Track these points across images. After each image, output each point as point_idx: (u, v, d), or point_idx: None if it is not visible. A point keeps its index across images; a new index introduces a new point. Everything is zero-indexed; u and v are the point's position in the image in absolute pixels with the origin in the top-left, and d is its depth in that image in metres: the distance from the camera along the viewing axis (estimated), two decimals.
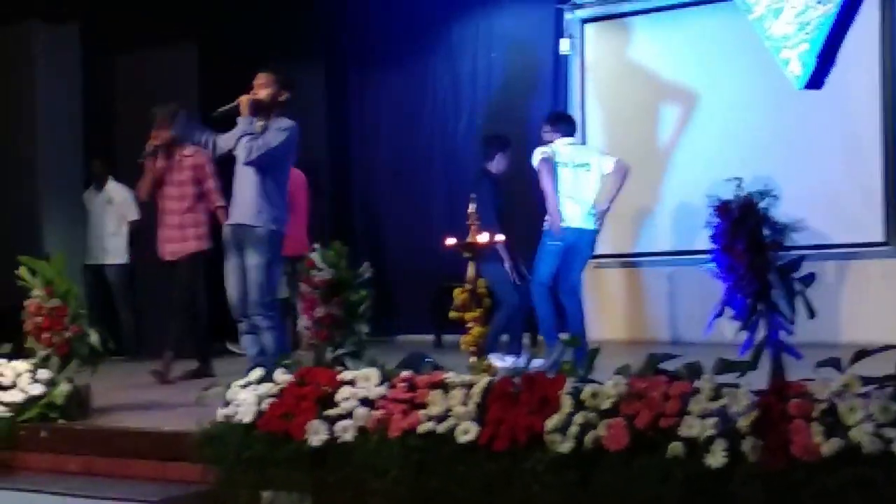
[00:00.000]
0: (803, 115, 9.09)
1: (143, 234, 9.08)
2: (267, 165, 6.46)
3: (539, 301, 8.11)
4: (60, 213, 10.17)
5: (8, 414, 5.36)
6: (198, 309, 8.11)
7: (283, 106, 6.64)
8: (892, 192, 8.91)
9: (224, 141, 6.58)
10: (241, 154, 6.42)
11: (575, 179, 8.15)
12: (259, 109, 6.50)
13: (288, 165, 6.73)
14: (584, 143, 10.14)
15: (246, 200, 6.45)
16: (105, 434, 5.21)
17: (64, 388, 5.41)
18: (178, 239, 7.74)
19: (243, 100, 6.45)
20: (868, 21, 8.51)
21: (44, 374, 5.45)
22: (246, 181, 6.47)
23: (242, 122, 6.44)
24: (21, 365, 5.53)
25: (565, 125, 8.44)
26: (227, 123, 6.54)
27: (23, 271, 5.58)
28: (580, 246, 8.18)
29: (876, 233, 8.95)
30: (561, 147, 8.22)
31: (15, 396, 5.39)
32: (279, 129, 6.50)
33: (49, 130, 10.05)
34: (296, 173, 7.95)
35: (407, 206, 9.09)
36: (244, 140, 6.39)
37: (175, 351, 7.71)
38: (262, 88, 6.56)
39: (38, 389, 5.38)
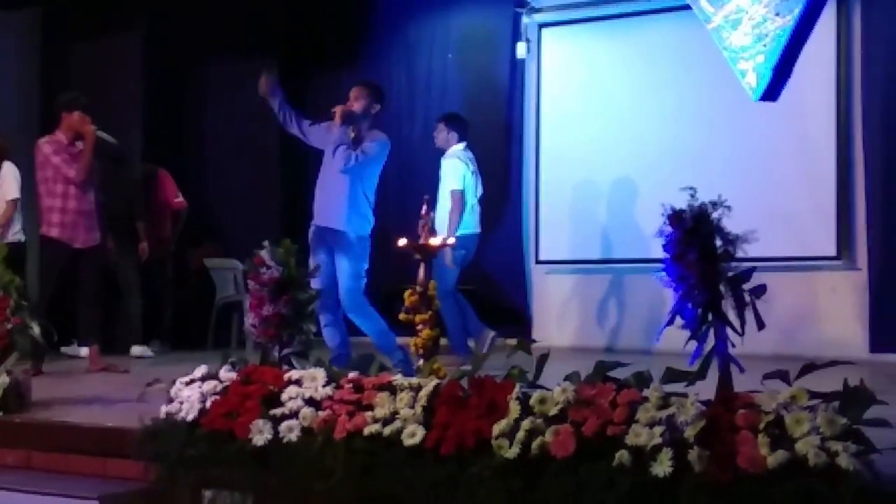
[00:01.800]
0: (758, 127, 9.14)
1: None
2: (359, 174, 7.01)
3: (451, 310, 8.22)
4: None
5: None
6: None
7: (374, 118, 7.23)
8: (844, 205, 8.98)
9: (305, 126, 7.24)
10: (339, 162, 6.93)
11: (475, 186, 8.53)
12: (352, 120, 7.04)
13: (376, 176, 7.24)
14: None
15: (334, 205, 7.01)
16: (44, 428, 5.13)
17: (2, 380, 5.31)
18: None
19: (339, 110, 6.98)
20: (824, 35, 8.56)
21: None
22: (336, 187, 6.99)
23: (339, 131, 6.97)
24: None
25: (462, 127, 8.73)
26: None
27: None
28: (473, 250, 8.59)
29: (828, 246, 9.01)
30: (465, 153, 8.57)
31: None
32: (373, 141, 7.09)
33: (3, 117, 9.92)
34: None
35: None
36: (341, 149, 6.95)
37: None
38: (357, 101, 7.13)
39: None
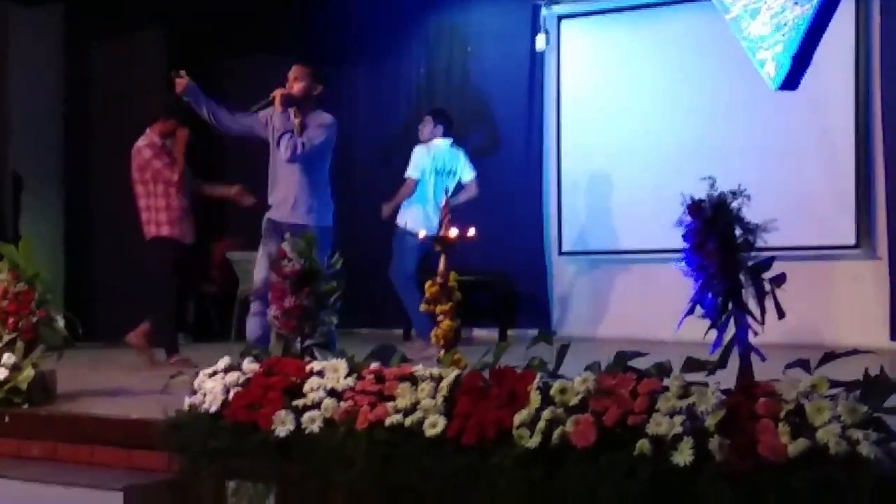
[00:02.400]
0: (778, 116, 9.13)
1: None
2: (310, 161, 6.62)
3: (413, 294, 8.23)
4: (33, 198, 10.13)
5: None
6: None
7: (317, 100, 6.76)
8: (863, 194, 8.96)
9: (240, 118, 6.81)
10: (283, 152, 6.54)
11: (439, 186, 8.60)
12: (292, 103, 6.60)
13: (328, 160, 6.84)
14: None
15: (291, 198, 6.64)
16: (69, 420, 5.16)
17: (28, 372, 5.35)
18: None
19: (277, 94, 6.55)
20: (843, 24, 8.54)
21: (8, 358, 5.39)
22: (290, 178, 6.63)
23: (280, 118, 6.55)
24: None
25: (447, 124, 8.81)
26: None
27: None
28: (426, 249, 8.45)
29: (847, 235, 9.00)
30: (439, 149, 8.63)
31: None
32: (320, 126, 6.66)
33: (26, 116, 9.99)
34: None
35: (380, 199, 9.08)
36: (285, 137, 6.52)
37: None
38: (297, 82, 6.68)
39: (1, 374, 5.33)
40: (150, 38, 9.96)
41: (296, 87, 6.66)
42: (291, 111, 6.63)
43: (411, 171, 8.59)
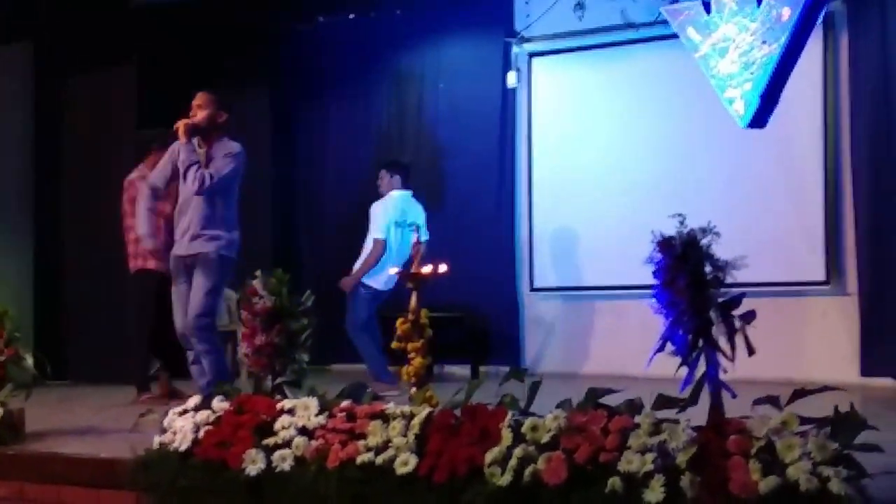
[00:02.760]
0: (747, 154, 9.19)
1: None
2: (217, 193, 6.39)
3: (365, 342, 8.46)
4: (2, 235, 10.06)
5: None
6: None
7: (222, 128, 6.53)
8: (832, 231, 9.02)
9: (155, 176, 6.57)
10: (191, 185, 6.30)
11: (402, 240, 8.52)
12: (197, 133, 6.40)
13: (237, 190, 6.62)
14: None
15: (193, 229, 6.37)
16: (37, 459, 5.11)
17: None
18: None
19: (181, 125, 6.32)
20: (811, 62, 8.64)
21: None
22: (195, 210, 6.37)
23: (185, 151, 6.33)
24: None
25: (404, 174, 8.76)
26: None
27: None
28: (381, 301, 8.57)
29: (817, 272, 9.04)
30: (398, 201, 8.57)
31: None
32: (226, 156, 6.43)
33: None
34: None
35: (351, 236, 9.05)
36: (192, 169, 6.27)
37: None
38: (200, 110, 6.45)
39: None
40: (122, 72, 9.92)
41: (199, 115, 6.43)
42: (195, 141, 6.43)
43: (378, 233, 8.44)
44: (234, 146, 6.50)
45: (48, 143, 10.35)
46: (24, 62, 10.38)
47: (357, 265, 8.52)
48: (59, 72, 10.26)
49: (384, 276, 8.35)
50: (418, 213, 8.72)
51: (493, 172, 10.56)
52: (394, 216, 8.49)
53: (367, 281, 8.45)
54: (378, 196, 8.72)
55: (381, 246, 8.39)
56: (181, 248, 6.45)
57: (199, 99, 6.50)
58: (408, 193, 8.71)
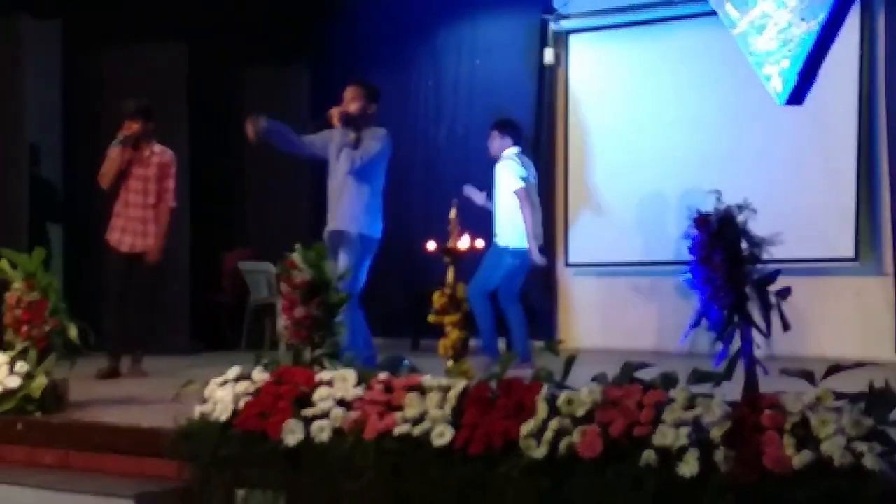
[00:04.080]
0: (784, 131, 9.17)
1: None
2: (366, 173, 6.94)
3: (487, 311, 8.23)
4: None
5: None
6: (157, 303, 8.17)
7: (373, 118, 7.10)
8: (865, 209, 8.98)
9: (308, 142, 7.24)
10: (344, 164, 6.94)
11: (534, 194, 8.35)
12: (349, 122, 6.95)
13: (383, 172, 7.14)
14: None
15: (344, 208, 6.96)
16: (81, 428, 5.19)
17: (41, 381, 5.39)
18: (140, 233, 7.76)
19: (334, 112, 6.94)
20: (848, 40, 8.59)
21: (22, 367, 5.42)
22: (345, 190, 6.96)
23: (339, 134, 6.96)
24: None
25: (515, 132, 8.52)
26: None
27: (3, 264, 5.57)
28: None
29: (847, 249, 9.02)
30: (521, 158, 8.35)
31: None
32: (375, 139, 6.99)
33: (34, 127, 10.00)
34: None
35: (386, 210, 9.10)
36: (345, 151, 6.93)
37: (144, 345, 7.84)
38: (353, 102, 7.03)
39: (15, 382, 5.36)
40: (167, 49, 9.99)
41: (352, 107, 7.02)
42: (349, 129, 6.96)
43: (516, 183, 8.16)
44: (381, 132, 7.08)
45: (81, 113, 10.39)
46: (55, 39, 10.43)
47: (527, 231, 8.15)
48: (96, 48, 10.32)
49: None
50: (531, 165, 8.55)
51: (529, 149, 10.56)
52: (522, 170, 8.25)
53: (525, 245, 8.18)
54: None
55: (526, 192, 8.13)
56: (332, 223, 7.06)
57: (351, 92, 7.11)
58: (516, 149, 8.43)
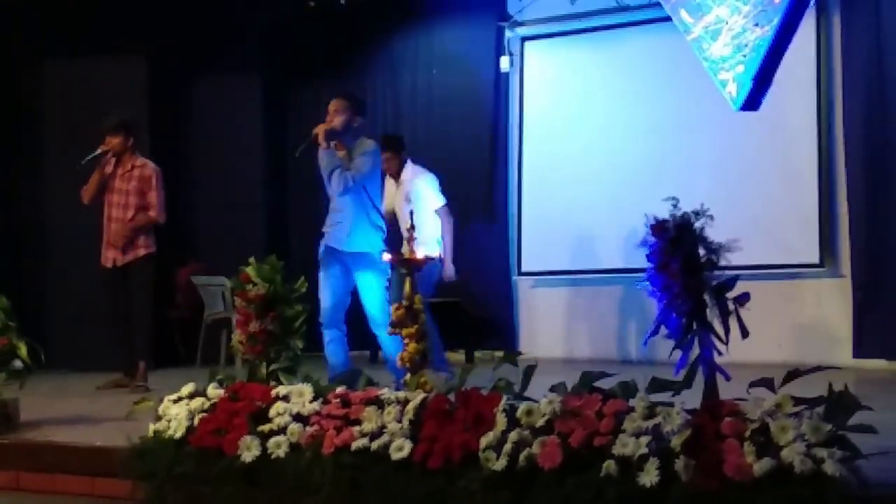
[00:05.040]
0: (740, 137, 9.20)
1: None
2: (360, 190, 6.69)
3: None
4: None
5: None
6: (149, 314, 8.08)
7: (359, 131, 6.82)
8: (826, 214, 9.02)
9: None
10: (336, 187, 6.64)
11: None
12: (335, 137, 6.66)
13: (378, 183, 6.94)
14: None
15: (348, 228, 6.69)
16: (32, 448, 5.12)
17: None
18: (122, 248, 7.69)
19: (319, 131, 6.60)
20: (805, 44, 8.63)
21: None
22: (346, 209, 6.69)
23: (326, 156, 6.62)
24: None
25: (403, 147, 8.28)
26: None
27: None
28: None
29: (811, 254, 9.05)
30: (422, 169, 8.15)
31: None
32: (364, 154, 6.71)
33: None
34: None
35: None
36: (336, 173, 6.60)
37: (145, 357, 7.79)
38: (336, 115, 6.71)
39: None
40: (126, 63, 9.95)
41: (336, 121, 6.71)
42: (334, 145, 6.70)
43: (440, 200, 8.02)
44: (370, 144, 6.80)
45: (27, 134, 10.28)
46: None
47: (445, 247, 7.96)
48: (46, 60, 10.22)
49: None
50: None
51: (486, 157, 10.57)
52: (438, 187, 8.09)
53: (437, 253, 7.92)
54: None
55: (448, 209, 8.02)
56: (335, 242, 6.75)
57: (335, 105, 6.77)
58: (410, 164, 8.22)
